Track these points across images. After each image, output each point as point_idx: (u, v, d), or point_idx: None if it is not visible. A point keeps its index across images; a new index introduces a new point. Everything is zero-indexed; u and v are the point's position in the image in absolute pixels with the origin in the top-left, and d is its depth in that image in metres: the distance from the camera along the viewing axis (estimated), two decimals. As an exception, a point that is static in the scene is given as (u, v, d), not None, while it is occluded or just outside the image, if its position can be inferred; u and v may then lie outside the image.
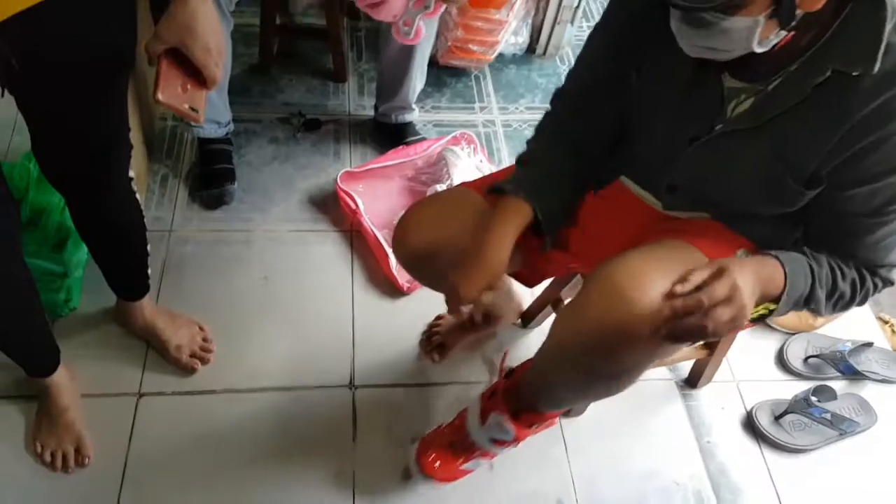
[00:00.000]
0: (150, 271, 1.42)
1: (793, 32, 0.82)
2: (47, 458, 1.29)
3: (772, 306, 0.96)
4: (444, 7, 1.56)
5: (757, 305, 0.89)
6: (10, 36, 0.83)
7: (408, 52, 1.75)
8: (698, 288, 0.82)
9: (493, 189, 1.08)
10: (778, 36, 0.82)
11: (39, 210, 1.46)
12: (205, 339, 1.49)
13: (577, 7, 2.19)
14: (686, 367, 1.61)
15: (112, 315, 1.50)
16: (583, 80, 1.09)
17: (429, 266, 1.14)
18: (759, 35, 0.80)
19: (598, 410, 1.49)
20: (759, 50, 0.82)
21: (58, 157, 1.08)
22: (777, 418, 1.54)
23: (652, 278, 0.89)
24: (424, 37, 1.63)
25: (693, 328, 0.82)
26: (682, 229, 1.06)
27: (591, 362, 0.97)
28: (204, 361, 1.47)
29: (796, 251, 0.95)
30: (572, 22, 2.24)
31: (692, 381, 1.59)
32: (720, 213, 1.06)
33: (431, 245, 1.09)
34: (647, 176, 1.10)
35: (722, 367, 1.59)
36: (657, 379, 1.60)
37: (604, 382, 1.04)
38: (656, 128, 1.02)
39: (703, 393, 1.59)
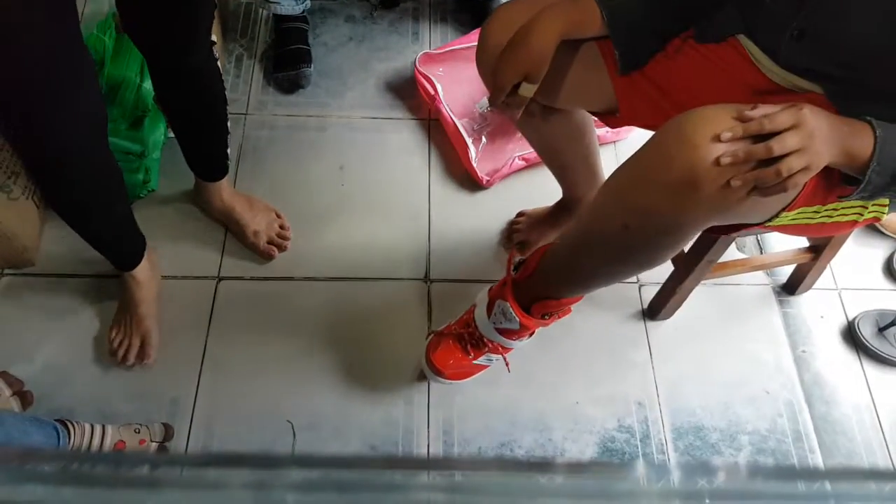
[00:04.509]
0: (229, 151, 1.28)
1: None
2: (114, 346, 1.20)
3: (884, 208, 0.84)
4: None
5: (839, 164, 0.73)
6: None
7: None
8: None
9: None
10: None
11: (115, 85, 1.32)
12: (282, 227, 1.36)
13: None
14: (785, 273, 1.38)
15: (191, 196, 1.38)
16: None
17: None
18: None
19: (688, 315, 1.30)
20: None
21: (142, 8, 0.95)
22: (881, 330, 1.31)
23: (726, 123, 0.69)
24: None
25: (757, 152, 0.68)
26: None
27: (643, 217, 0.77)
28: (281, 249, 1.34)
29: None
30: None
31: (791, 288, 1.37)
32: (836, 85, 0.83)
33: None
34: (771, 25, 0.86)
35: (824, 275, 1.36)
36: (753, 284, 1.38)
37: (648, 247, 0.83)
38: None
39: (802, 300, 1.37)
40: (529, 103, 0.94)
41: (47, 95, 0.83)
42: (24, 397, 1.14)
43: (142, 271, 1.21)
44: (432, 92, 1.52)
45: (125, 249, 1.18)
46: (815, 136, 0.69)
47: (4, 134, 0.93)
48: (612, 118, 1.03)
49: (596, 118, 1.09)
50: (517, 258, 1.08)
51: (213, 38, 1.08)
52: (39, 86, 0.81)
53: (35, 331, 1.23)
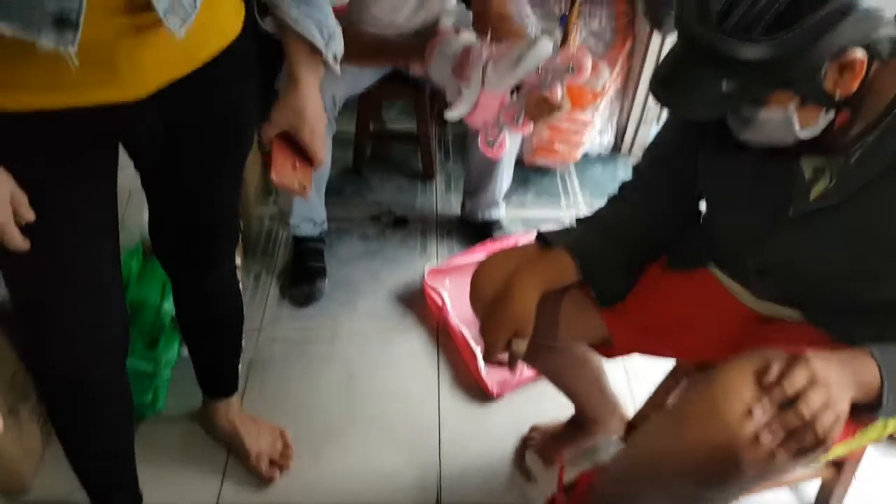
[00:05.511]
0: (240, 368, 1.28)
1: (847, 111, 0.72)
2: None
3: None
4: (531, 126, 1.39)
5: (856, 399, 0.73)
6: (158, 106, 0.79)
7: (495, 153, 1.62)
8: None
9: (538, 237, 0.98)
10: (827, 118, 0.73)
11: (136, 306, 1.37)
12: (285, 446, 1.31)
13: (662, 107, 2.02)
14: (811, 491, 1.30)
15: (196, 416, 1.35)
16: (653, 156, 1.01)
17: None
18: (800, 123, 0.72)
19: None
20: (804, 136, 0.73)
21: (174, 233, 1.02)
22: (930, 558, 1.20)
23: (750, 392, 0.71)
24: (506, 151, 1.49)
25: (790, 422, 0.69)
26: (777, 339, 0.87)
27: (688, 487, 0.78)
28: (282, 469, 1.28)
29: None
30: (658, 121, 2.07)
31: (821, 508, 1.28)
32: (813, 307, 0.87)
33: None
34: (733, 263, 0.93)
35: (854, 492, 1.27)
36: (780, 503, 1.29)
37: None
38: (731, 212, 0.89)
39: (838, 524, 1.27)
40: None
41: (71, 319, 0.85)
42: None
43: None
44: (440, 303, 1.57)
45: (124, 491, 1.11)
46: (832, 384, 0.70)
47: (23, 353, 0.94)
48: (609, 349, 1.04)
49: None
50: (566, 479, 1.04)
51: (237, 259, 1.14)
52: (66, 312, 0.84)
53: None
